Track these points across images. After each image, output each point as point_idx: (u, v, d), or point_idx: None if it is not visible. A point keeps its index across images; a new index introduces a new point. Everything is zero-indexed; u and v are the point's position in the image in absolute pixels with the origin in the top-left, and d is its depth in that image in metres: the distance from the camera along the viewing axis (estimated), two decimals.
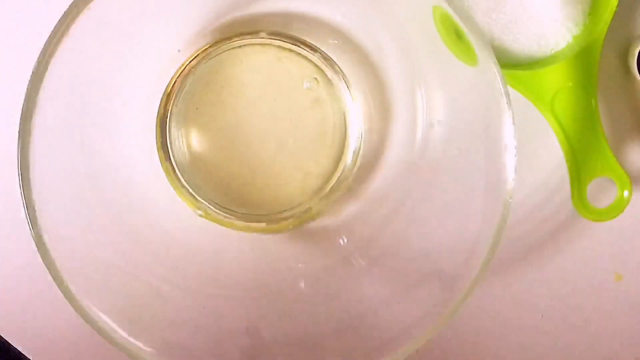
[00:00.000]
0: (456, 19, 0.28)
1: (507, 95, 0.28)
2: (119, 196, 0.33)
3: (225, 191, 0.37)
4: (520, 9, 0.35)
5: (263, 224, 0.37)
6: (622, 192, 0.35)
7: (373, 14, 0.34)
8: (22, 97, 0.27)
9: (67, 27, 0.27)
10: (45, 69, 0.27)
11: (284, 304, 0.34)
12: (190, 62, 0.36)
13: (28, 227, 0.28)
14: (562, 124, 0.35)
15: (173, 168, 0.36)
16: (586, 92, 0.35)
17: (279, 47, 0.36)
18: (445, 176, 0.33)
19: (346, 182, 0.37)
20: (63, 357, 0.37)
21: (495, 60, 0.28)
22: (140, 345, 0.28)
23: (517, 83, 0.34)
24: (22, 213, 0.27)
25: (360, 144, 0.37)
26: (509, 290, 0.38)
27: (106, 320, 0.28)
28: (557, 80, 0.35)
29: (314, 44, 0.36)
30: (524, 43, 0.35)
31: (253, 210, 0.37)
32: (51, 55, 0.27)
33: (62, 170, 0.30)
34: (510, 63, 0.36)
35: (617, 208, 0.35)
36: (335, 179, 0.37)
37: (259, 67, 0.36)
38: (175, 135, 0.36)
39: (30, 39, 0.28)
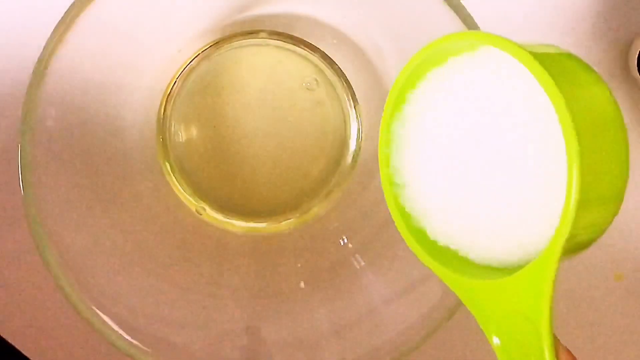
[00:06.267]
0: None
1: None
2: (118, 196, 0.33)
3: (226, 191, 0.37)
4: (492, 208, 0.24)
5: (263, 224, 0.37)
6: None
7: (372, 15, 0.34)
8: (23, 96, 0.27)
9: (68, 27, 0.27)
10: (46, 68, 0.27)
11: (284, 304, 0.34)
12: (190, 62, 0.36)
13: (28, 227, 0.28)
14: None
15: (173, 168, 0.36)
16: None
17: (279, 47, 0.36)
18: None
19: (346, 182, 0.37)
20: (63, 357, 0.37)
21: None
22: (140, 345, 0.28)
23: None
24: (23, 213, 0.27)
25: (360, 144, 0.37)
26: None
27: (106, 320, 0.28)
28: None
29: (314, 44, 0.37)
30: (497, 250, 0.24)
31: (253, 210, 0.37)
32: (52, 55, 0.27)
33: (62, 170, 0.30)
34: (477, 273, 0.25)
35: None
36: (336, 179, 0.37)
37: (259, 67, 0.36)
38: (175, 135, 0.36)
39: (31, 39, 0.28)
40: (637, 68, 0.36)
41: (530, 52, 0.21)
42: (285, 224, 0.37)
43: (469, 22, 0.28)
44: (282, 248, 0.37)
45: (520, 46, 0.21)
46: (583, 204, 0.20)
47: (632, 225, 0.38)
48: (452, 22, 0.28)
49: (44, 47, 0.27)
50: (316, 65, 0.37)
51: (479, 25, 0.28)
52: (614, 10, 0.37)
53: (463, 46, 0.24)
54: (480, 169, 0.23)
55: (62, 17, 0.27)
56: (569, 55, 0.23)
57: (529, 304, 0.22)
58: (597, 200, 0.21)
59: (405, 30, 0.33)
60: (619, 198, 0.22)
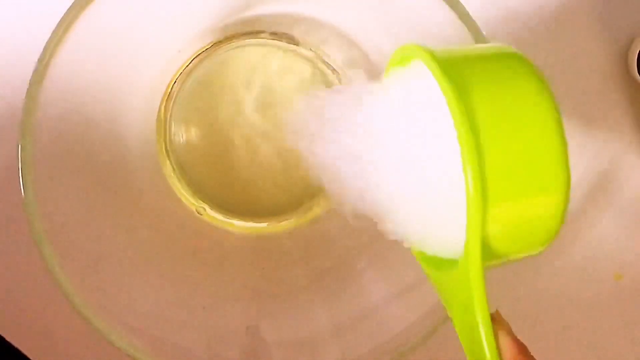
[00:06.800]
0: None
1: None
2: (119, 196, 0.33)
3: (226, 191, 0.37)
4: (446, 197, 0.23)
5: (263, 224, 0.37)
6: None
7: (372, 15, 0.34)
8: (23, 96, 0.27)
9: (68, 27, 0.27)
10: (46, 68, 0.27)
11: (284, 304, 0.34)
12: (190, 62, 0.36)
13: (28, 227, 0.28)
14: None
15: (173, 168, 0.36)
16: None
17: (280, 48, 0.37)
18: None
19: None
20: (63, 357, 0.37)
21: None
22: (139, 345, 0.28)
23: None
24: (23, 213, 0.27)
25: None
26: (508, 290, 0.38)
27: (105, 320, 0.28)
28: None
29: (313, 44, 0.37)
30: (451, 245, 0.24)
31: (253, 210, 0.37)
32: (52, 55, 0.27)
33: (63, 170, 0.30)
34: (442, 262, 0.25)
35: None
36: None
37: (259, 67, 0.36)
38: (175, 135, 0.36)
39: (31, 39, 0.28)
40: (637, 68, 0.36)
41: (434, 53, 0.21)
42: (285, 224, 0.37)
43: (468, 22, 0.28)
44: (282, 248, 0.37)
45: (421, 46, 0.21)
46: (493, 203, 0.20)
47: (632, 225, 0.38)
48: (451, 21, 0.28)
49: (44, 47, 0.27)
50: (316, 65, 0.37)
51: (478, 25, 0.28)
52: (613, 11, 0.37)
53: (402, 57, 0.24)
54: (421, 171, 0.23)
55: (63, 17, 0.27)
56: (505, 56, 0.22)
57: (467, 296, 0.22)
58: (514, 202, 0.21)
59: (405, 30, 0.33)
60: (552, 202, 0.21)
